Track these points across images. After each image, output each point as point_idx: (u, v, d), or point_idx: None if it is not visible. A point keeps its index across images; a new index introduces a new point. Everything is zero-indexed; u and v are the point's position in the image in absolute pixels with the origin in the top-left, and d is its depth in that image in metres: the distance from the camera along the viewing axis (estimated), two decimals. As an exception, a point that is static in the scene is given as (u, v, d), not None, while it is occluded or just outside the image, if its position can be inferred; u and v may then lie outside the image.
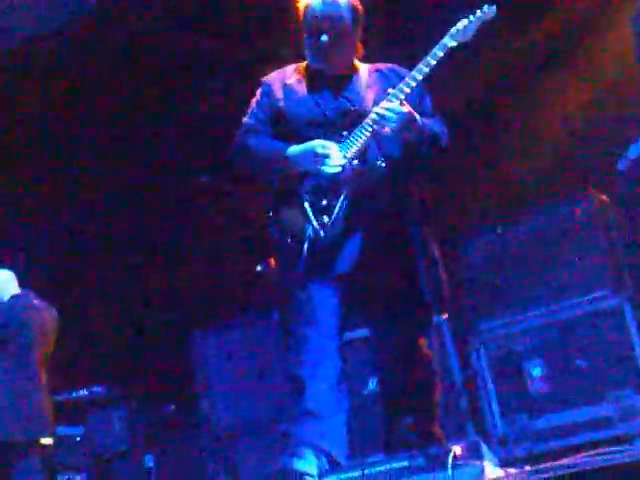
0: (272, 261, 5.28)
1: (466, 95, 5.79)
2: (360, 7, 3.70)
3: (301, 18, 3.69)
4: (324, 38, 3.60)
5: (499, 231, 5.40)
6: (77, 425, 5.84)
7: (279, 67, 3.87)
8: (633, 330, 4.91)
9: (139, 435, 5.89)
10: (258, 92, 3.82)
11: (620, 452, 2.61)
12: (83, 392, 5.92)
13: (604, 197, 5.15)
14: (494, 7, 3.56)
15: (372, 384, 5.10)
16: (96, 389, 5.95)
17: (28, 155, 6.73)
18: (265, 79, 3.85)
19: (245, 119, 3.81)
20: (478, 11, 3.56)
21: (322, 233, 3.50)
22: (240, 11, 5.95)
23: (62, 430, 5.71)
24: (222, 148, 3.91)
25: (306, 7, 3.67)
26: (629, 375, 4.89)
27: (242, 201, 5.81)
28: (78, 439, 5.79)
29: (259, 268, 5.23)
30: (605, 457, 2.61)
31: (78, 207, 7.02)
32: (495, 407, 5.18)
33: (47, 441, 5.25)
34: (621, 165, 4.03)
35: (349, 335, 3.86)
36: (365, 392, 5.15)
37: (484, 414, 5.23)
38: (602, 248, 5.10)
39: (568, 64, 5.57)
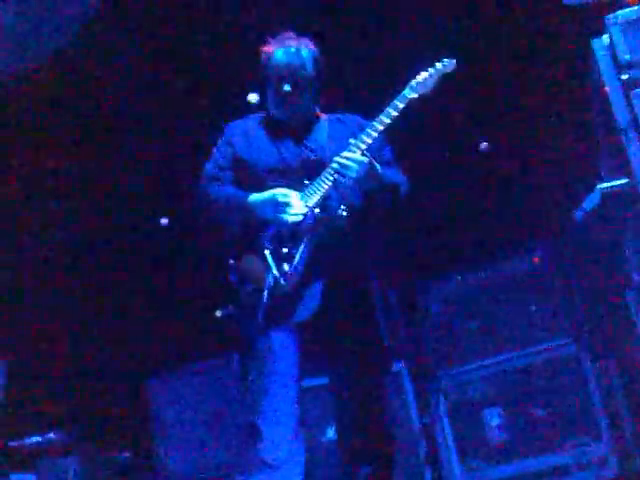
0: (232, 308, 5.28)
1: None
2: (322, 58, 3.75)
3: (263, 67, 3.73)
4: (286, 88, 3.64)
5: (458, 278, 5.44)
6: (29, 472, 5.72)
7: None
8: (590, 378, 4.96)
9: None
10: (219, 139, 3.84)
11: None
12: (36, 438, 5.80)
13: (562, 245, 5.22)
14: (454, 60, 3.62)
15: (330, 432, 5.08)
16: (49, 435, 5.83)
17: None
18: (226, 126, 3.87)
19: (206, 166, 3.81)
20: (438, 63, 3.62)
21: (282, 281, 3.50)
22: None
23: (14, 477, 5.59)
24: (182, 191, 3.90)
25: (268, 56, 3.72)
26: (587, 423, 4.93)
27: (202, 246, 5.78)
28: (30, 486, 5.67)
29: (218, 314, 5.20)
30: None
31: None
32: (453, 454, 5.17)
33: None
34: (577, 216, 4.09)
35: (308, 382, 3.82)
36: (323, 440, 5.12)
37: (442, 461, 5.21)
38: (560, 296, 5.16)
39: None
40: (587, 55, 3.76)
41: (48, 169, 6.45)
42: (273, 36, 3.76)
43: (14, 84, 5.79)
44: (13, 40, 5.55)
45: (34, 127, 6.17)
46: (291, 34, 3.74)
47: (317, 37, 3.77)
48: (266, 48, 3.74)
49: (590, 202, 3.94)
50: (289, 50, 3.68)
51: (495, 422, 5.12)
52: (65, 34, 5.68)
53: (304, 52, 3.68)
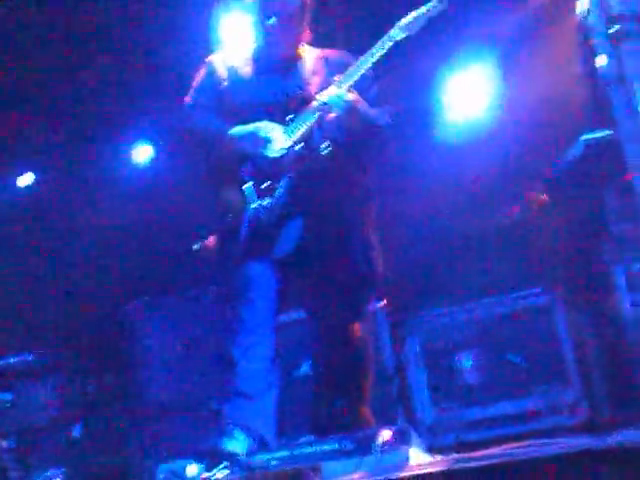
0: (211, 240, 5.29)
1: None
2: None
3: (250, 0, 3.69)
4: (272, 21, 3.60)
5: (443, 222, 5.46)
6: (6, 391, 5.78)
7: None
8: (561, 328, 5.01)
9: (68, 405, 5.84)
10: (202, 71, 3.80)
11: (546, 445, 2.67)
12: (13, 359, 5.85)
13: (543, 197, 5.23)
14: (444, 2, 3.58)
15: (305, 367, 5.13)
16: (27, 356, 5.88)
17: None
18: (209, 59, 3.83)
19: (187, 97, 3.79)
20: (426, 5, 3.59)
21: (262, 214, 3.51)
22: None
23: (-10, 395, 5.65)
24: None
25: None
26: (557, 371, 5.00)
27: (182, 175, 5.78)
28: (8, 405, 5.74)
29: (196, 246, 5.21)
30: (531, 449, 2.66)
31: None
32: (426, 395, 5.24)
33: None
34: (559, 166, 4.11)
35: (284, 317, 3.87)
36: (297, 374, 5.17)
37: (414, 402, 5.28)
38: (537, 247, 5.19)
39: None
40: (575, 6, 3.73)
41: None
42: None
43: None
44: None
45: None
46: None
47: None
48: None
49: (573, 153, 3.95)
50: None
51: (468, 365, 5.19)
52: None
53: None
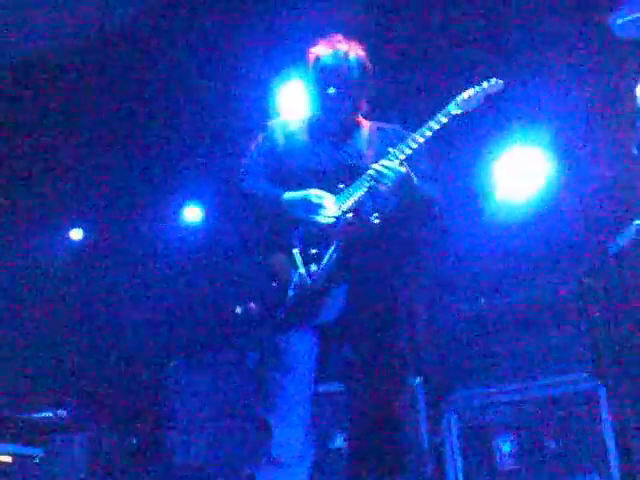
0: (252, 305, 5.29)
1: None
2: (369, 65, 3.75)
3: (310, 68, 3.74)
4: (331, 91, 3.65)
5: (483, 301, 5.41)
6: (37, 446, 5.75)
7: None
8: (605, 416, 4.90)
9: (99, 464, 5.80)
10: (260, 135, 3.86)
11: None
12: (47, 413, 5.84)
13: (590, 280, 5.18)
14: (502, 81, 3.61)
15: (339, 440, 5.06)
16: (60, 412, 5.86)
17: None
18: (269, 123, 3.89)
19: (244, 160, 3.83)
20: (485, 82, 3.62)
21: (308, 281, 3.50)
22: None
23: (22, 450, 5.62)
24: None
25: (316, 59, 3.72)
26: (597, 461, 4.87)
27: (230, 237, 5.82)
28: (37, 461, 5.71)
29: (239, 309, 5.21)
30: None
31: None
32: (460, 477, 5.14)
33: (5, 458, 5.17)
34: (611, 249, 4.05)
35: (322, 387, 3.82)
36: (332, 447, 5.10)
37: (449, 484, 5.18)
38: (583, 330, 5.12)
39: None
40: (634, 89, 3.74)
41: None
42: (323, 38, 3.77)
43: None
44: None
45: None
46: (341, 38, 3.74)
47: (365, 44, 3.76)
48: (315, 49, 3.74)
49: (625, 237, 3.90)
50: (338, 53, 3.68)
51: (506, 449, 5.08)
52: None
53: (352, 57, 3.68)
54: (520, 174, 5.98)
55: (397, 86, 5.42)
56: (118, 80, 5.97)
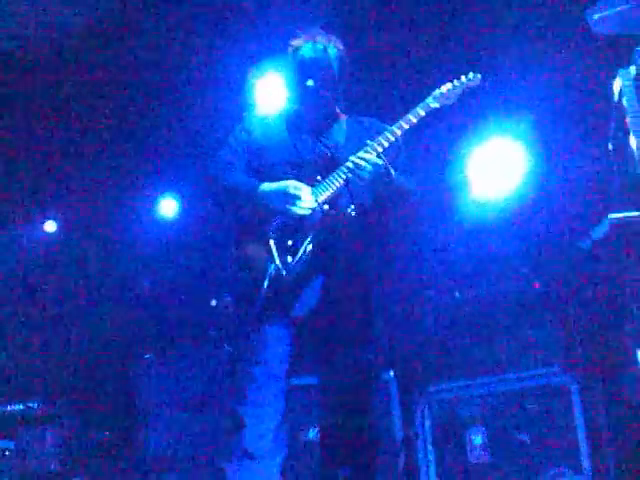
0: (227, 297, 5.28)
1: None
2: (347, 58, 3.75)
3: (289, 61, 3.73)
4: (310, 83, 3.64)
5: (457, 295, 5.44)
6: (8, 439, 5.71)
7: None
8: (577, 410, 4.94)
9: (70, 456, 5.76)
10: (237, 127, 3.84)
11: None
12: (18, 406, 5.79)
13: (564, 272, 5.20)
14: (479, 75, 3.63)
15: (312, 432, 5.07)
16: (31, 404, 5.82)
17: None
18: (245, 115, 3.88)
19: (221, 152, 3.81)
20: (463, 76, 3.64)
21: (284, 272, 3.49)
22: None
23: (-7, 443, 5.59)
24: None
25: (295, 51, 3.72)
26: (568, 454, 4.91)
27: (205, 229, 5.80)
28: (7, 453, 5.66)
29: (214, 302, 5.20)
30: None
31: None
32: (432, 470, 5.16)
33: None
34: (583, 244, 4.08)
35: (295, 381, 3.82)
36: (304, 439, 5.10)
37: (421, 475, 5.19)
38: (556, 324, 5.15)
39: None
40: (611, 85, 3.76)
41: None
42: (302, 30, 3.77)
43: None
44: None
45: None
46: (320, 30, 3.75)
47: (343, 35, 3.76)
48: (294, 42, 3.74)
49: (598, 232, 3.92)
50: (317, 46, 3.68)
51: (477, 442, 5.11)
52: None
53: (331, 50, 3.69)
54: (495, 169, 5.98)
55: (375, 79, 5.42)
56: (97, 74, 5.94)
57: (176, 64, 5.94)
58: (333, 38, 3.75)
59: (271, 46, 5.02)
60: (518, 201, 5.83)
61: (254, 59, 5.59)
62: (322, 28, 3.78)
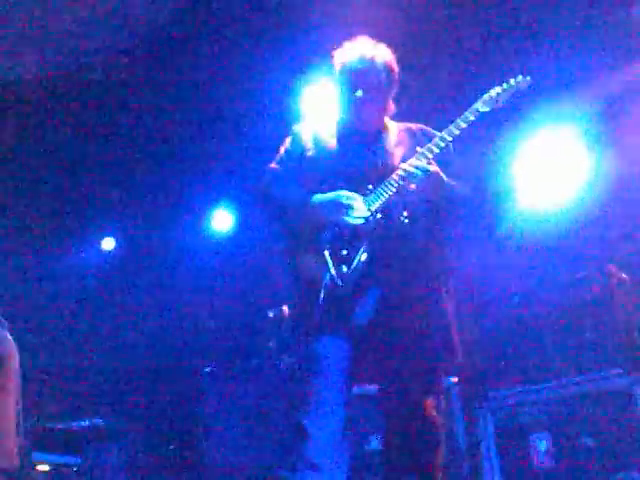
0: (285, 309, 5.30)
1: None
2: (396, 67, 3.75)
3: (337, 72, 3.75)
4: (358, 93, 3.65)
5: (516, 300, 5.38)
6: (75, 455, 5.80)
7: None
8: (641, 412, 4.85)
9: (136, 471, 5.84)
10: (288, 139, 3.87)
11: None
12: (84, 422, 5.89)
13: (624, 276, 5.12)
14: (529, 78, 3.60)
15: (375, 442, 5.06)
16: (97, 421, 5.91)
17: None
18: (296, 127, 3.90)
19: (272, 165, 3.84)
20: (512, 80, 3.61)
21: (340, 282, 3.50)
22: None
23: (59, 459, 5.68)
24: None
25: (343, 62, 3.73)
26: (635, 457, 4.82)
27: (261, 242, 5.82)
28: (75, 469, 5.75)
29: (271, 314, 5.22)
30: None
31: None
32: (497, 477, 5.11)
33: (44, 467, 5.23)
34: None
35: (356, 390, 3.82)
36: (367, 449, 5.10)
37: (485, 482, 5.15)
38: (618, 326, 5.06)
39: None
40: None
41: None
42: (348, 39, 3.78)
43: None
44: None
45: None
46: (367, 40, 3.75)
47: (390, 42, 3.76)
48: (340, 52, 3.75)
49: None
50: (364, 56, 3.69)
51: (543, 448, 5.04)
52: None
53: (379, 60, 3.69)
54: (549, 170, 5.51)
55: (424, 85, 5.37)
56: (147, 89, 6.02)
57: (227, 77, 5.99)
58: (380, 46, 3.75)
59: (319, 55, 5.01)
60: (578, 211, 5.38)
61: (302, 68, 5.61)
62: (369, 34, 3.78)
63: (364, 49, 3.71)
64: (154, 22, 5.73)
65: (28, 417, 5.39)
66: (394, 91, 3.78)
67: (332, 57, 3.77)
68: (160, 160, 6.47)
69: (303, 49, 5.49)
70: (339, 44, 3.76)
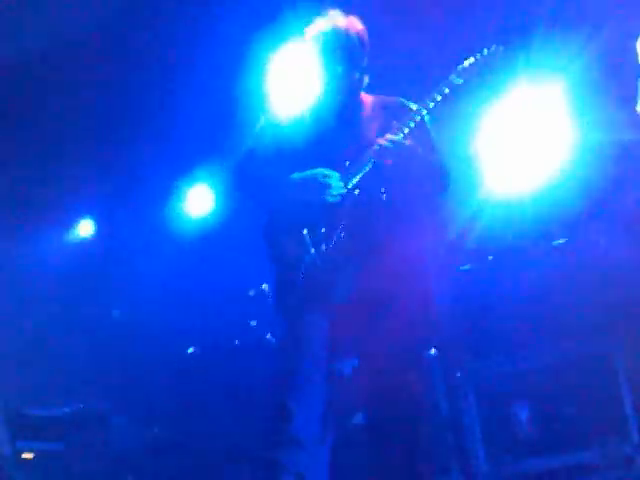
0: (265, 287, 5.30)
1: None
2: (368, 39, 3.72)
3: (311, 48, 3.71)
4: (339, 68, 3.63)
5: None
6: (57, 441, 5.79)
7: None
8: (621, 377, 4.90)
9: (119, 456, 5.83)
10: (262, 118, 3.84)
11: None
12: (66, 409, 5.87)
13: (603, 241, 5.15)
14: (502, 47, 3.60)
15: (359, 416, 5.08)
16: (79, 406, 5.89)
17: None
18: (270, 105, 3.88)
19: (247, 144, 3.82)
20: (485, 49, 3.61)
21: (319, 260, 3.50)
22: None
23: (42, 446, 5.66)
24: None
25: (319, 38, 3.69)
26: (616, 422, 4.87)
27: (239, 222, 5.80)
28: (57, 455, 5.74)
29: (252, 292, 5.22)
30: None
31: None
32: (480, 446, 5.15)
33: (27, 455, 5.21)
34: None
35: (337, 366, 3.82)
36: (351, 423, 5.12)
37: (469, 452, 5.19)
38: (596, 293, 5.10)
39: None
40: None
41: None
42: (320, 14, 3.74)
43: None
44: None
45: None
46: (339, 13, 3.72)
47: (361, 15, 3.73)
48: (313, 27, 3.72)
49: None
50: (339, 30, 3.66)
51: (524, 416, 5.09)
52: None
53: (353, 33, 3.66)
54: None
55: (396, 57, 5.32)
56: (127, 71, 5.94)
57: (201, 62, 5.92)
58: (353, 19, 3.72)
59: (291, 30, 4.95)
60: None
61: (274, 46, 5.54)
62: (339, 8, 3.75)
63: (338, 22, 3.69)
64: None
65: (9, 405, 5.39)
66: (367, 63, 3.75)
67: (305, 33, 3.73)
68: (137, 140, 6.41)
69: (275, 24, 5.41)
70: (311, 19, 3.72)
